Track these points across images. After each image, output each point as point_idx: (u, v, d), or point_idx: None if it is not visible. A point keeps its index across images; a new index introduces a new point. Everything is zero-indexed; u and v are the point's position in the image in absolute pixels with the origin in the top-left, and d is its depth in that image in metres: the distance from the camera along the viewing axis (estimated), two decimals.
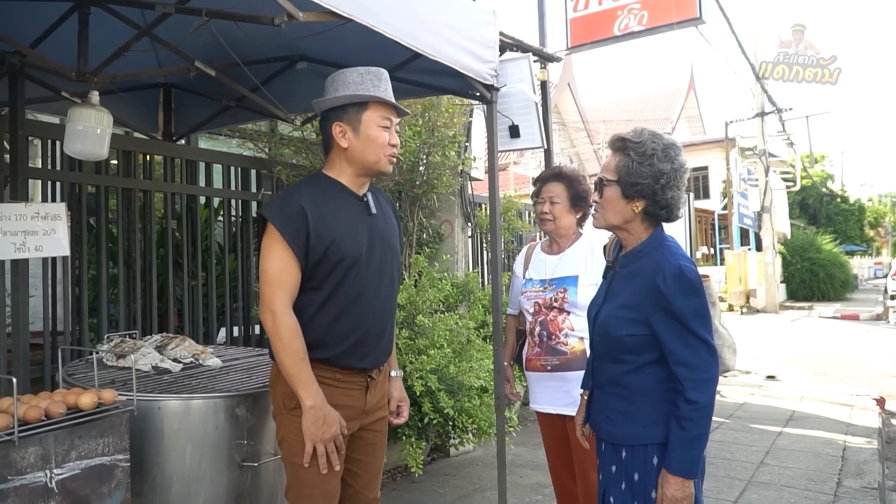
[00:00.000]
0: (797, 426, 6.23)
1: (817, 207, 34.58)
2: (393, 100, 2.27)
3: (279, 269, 2.08)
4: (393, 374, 2.49)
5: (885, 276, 30.27)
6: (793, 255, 24.38)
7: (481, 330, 5.12)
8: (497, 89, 3.25)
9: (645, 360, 2.02)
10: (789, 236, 25.81)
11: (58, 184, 4.01)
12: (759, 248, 22.47)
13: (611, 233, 2.43)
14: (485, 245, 7.03)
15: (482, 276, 6.64)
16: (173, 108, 4.62)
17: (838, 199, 35.87)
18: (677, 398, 1.94)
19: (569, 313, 3.00)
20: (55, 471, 2.04)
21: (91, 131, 2.97)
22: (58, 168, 4.04)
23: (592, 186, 2.32)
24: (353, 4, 2.42)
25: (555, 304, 3.03)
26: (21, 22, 3.24)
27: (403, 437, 4.41)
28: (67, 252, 3.60)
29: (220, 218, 4.92)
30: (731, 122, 21.05)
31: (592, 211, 2.23)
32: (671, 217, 2.12)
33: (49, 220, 3.54)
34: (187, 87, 4.46)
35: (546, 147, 3.53)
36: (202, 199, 4.74)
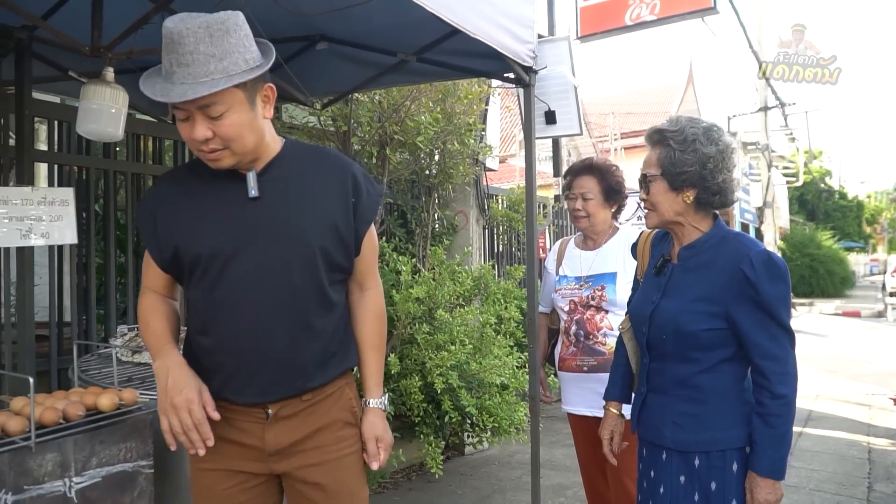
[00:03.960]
0: (817, 426, 6.09)
1: (816, 203, 34.56)
2: (188, 92, 1.49)
3: (144, 268, 1.76)
4: (371, 403, 1.81)
5: (882, 273, 30.30)
6: (793, 251, 24.36)
7: (501, 325, 4.95)
8: (535, 72, 3.07)
9: (718, 357, 1.89)
10: (788, 232, 25.76)
11: (64, 168, 3.81)
12: None
13: (643, 230, 2.28)
14: (496, 236, 6.85)
15: (497, 269, 6.46)
16: None
17: (837, 196, 35.89)
18: (761, 394, 1.82)
19: (607, 312, 2.84)
20: (75, 479, 1.86)
21: (105, 110, 2.78)
22: (63, 151, 3.84)
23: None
24: None
25: (592, 303, 2.86)
26: None
27: (421, 436, 4.25)
28: (75, 239, 3.40)
29: None
30: (733, 116, 20.87)
31: (642, 211, 2.06)
32: (727, 202, 1.98)
33: (56, 205, 3.34)
34: None
35: (581, 133, 3.37)
36: None
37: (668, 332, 1.93)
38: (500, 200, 6.62)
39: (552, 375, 3.49)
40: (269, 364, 1.63)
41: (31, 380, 1.79)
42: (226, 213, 1.65)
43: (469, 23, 2.71)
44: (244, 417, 1.65)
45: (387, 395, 1.93)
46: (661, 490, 1.98)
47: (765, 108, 19.89)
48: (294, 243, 1.65)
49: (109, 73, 2.83)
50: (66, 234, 3.37)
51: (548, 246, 7.97)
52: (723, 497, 1.86)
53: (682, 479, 1.92)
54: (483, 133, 5.64)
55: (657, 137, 1.97)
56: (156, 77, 1.55)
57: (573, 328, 2.90)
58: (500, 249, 6.96)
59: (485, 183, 6.00)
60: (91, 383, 2.36)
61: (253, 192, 1.65)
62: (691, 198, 1.93)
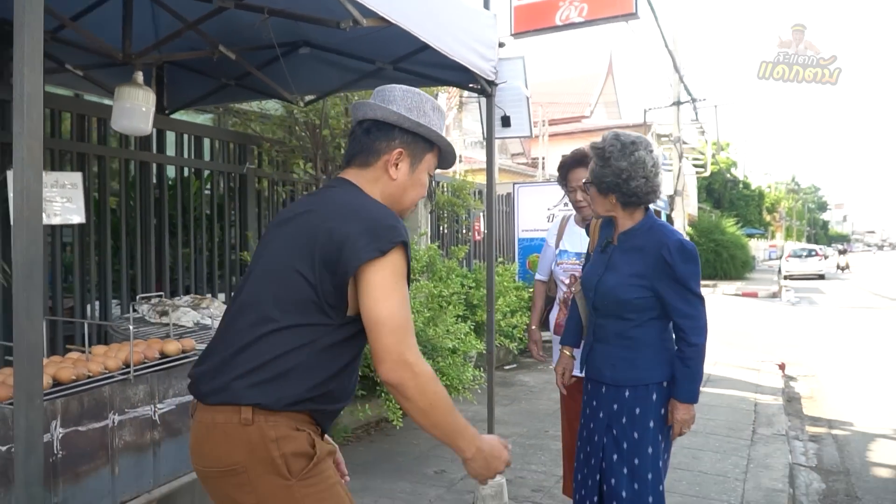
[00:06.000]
0: (714, 387, 7.04)
1: (721, 192, 36.73)
2: None
3: (407, 310, 1.63)
4: None
5: (780, 258, 32.64)
6: (700, 236, 26.03)
7: (451, 298, 5.59)
8: (496, 84, 3.68)
9: (647, 316, 2.53)
10: (696, 219, 27.48)
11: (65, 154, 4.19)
12: None
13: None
14: (440, 220, 7.49)
15: (441, 249, 7.09)
16: (165, 83, 4.81)
17: (741, 186, 38.19)
18: (680, 344, 2.46)
19: None
20: (158, 405, 2.39)
21: (137, 109, 3.22)
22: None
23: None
24: (399, 13, 2.81)
25: None
26: None
27: (382, 394, 4.84)
28: (83, 220, 3.82)
29: (208, 189, 5.18)
30: (649, 109, 22.15)
31: (585, 205, 2.65)
32: (645, 201, 2.59)
33: (67, 188, 3.75)
34: (182, 64, 4.67)
35: (532, 136, 4.01)
36: (187, 171, 4.97)
37: (609, 299, 2.57)
38: (444, 187, 7.24)
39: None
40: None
41: (132, 328, 2.30)
42: None
43: (444, 43, 3.29)
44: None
45: None
46: (601, 415, 2.63)
47: (678, 103, 21.14)
48: None
49: (139, 76, 3.27)
50: (76, 214, 3.79)
51: (482, 229, 8.66)
52: (644, 418, 2.50)
53: (615, 406, 2.58)
54: None
55: (591, 153, 2.58)
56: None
57: (571, 299, 3.22)
58: (445, 231, 7.60)
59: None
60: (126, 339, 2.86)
61: None
62: (614, 200, 2.56)
